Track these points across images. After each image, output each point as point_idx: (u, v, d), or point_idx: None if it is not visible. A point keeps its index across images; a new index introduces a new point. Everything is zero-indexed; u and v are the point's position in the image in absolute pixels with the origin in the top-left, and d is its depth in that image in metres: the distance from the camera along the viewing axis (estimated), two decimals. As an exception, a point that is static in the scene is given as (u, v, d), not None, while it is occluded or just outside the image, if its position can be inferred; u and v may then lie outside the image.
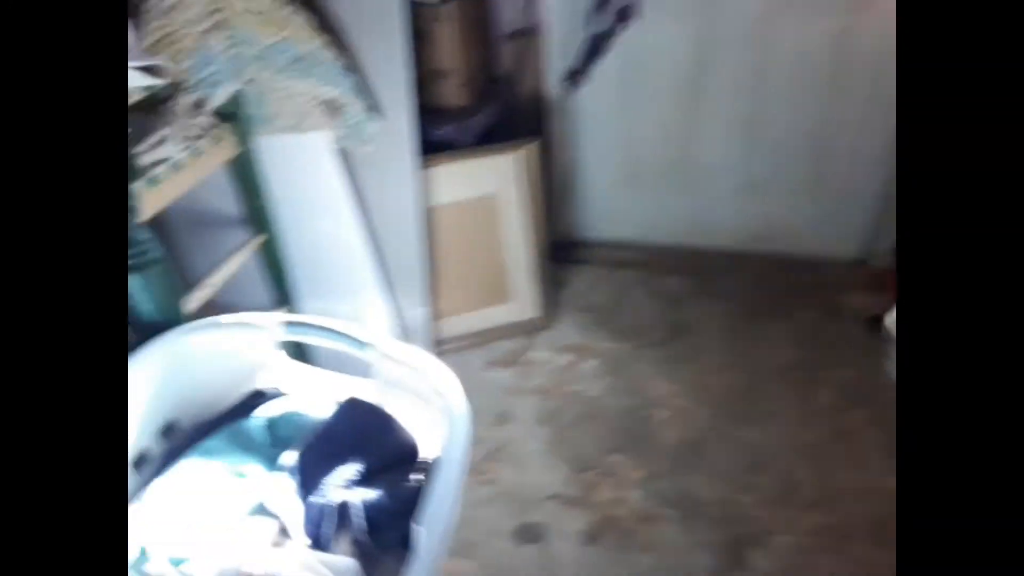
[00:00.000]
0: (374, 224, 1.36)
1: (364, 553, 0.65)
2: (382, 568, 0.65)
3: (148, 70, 0.68)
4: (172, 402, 0.77)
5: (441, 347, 1.63)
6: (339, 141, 1.22)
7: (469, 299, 1.62)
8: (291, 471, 0.70)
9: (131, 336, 0.75)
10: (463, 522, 1.26)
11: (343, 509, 0.66)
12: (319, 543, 0.66)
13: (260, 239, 1.26)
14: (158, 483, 0.69)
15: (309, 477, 0.69)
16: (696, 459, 1.36)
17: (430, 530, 0.59)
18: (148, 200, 0.93)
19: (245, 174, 1.18)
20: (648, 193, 1.88)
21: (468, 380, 1.57)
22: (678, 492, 1.30)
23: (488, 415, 1.50)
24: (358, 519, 0.66)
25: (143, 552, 0.62)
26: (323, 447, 0.73)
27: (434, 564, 0.58)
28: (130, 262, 0.74)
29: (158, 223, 1.19)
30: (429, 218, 1.45)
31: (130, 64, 0.63)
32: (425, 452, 0.76)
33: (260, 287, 1.36)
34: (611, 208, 1.91)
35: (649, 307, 1.77)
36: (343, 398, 0.80)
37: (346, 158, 1.27)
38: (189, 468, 0.70)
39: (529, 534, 1.25)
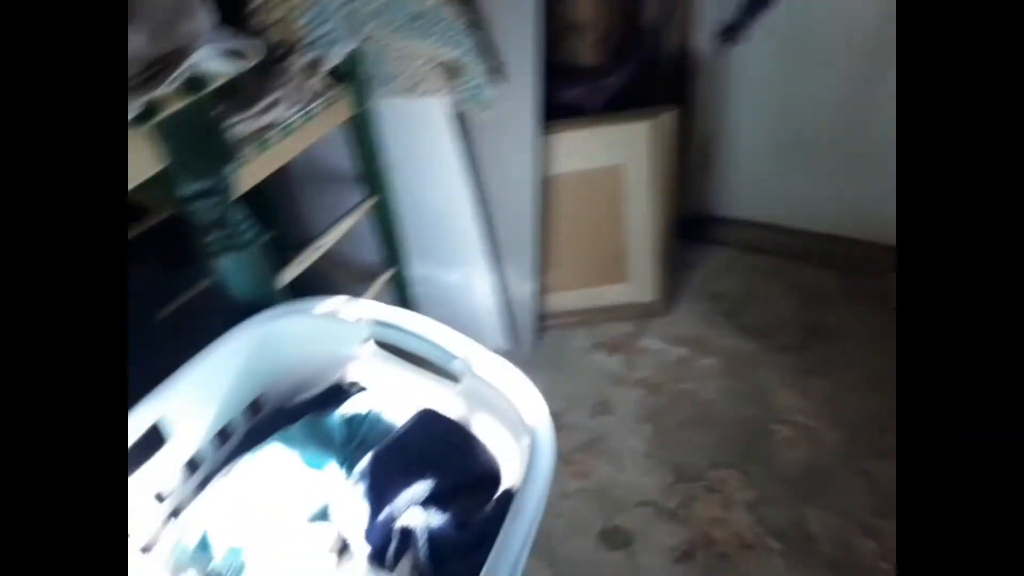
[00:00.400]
0: (487, 192, 1.29)
1: (423, 581, 0.61)
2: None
3: (234, 53, 0.64)
4: (260, 381, 0.77)
5: (546, 322, 1.56)
6: (457, 105, 1.14)
7: (582, 275, 1.52)
8: (360, 478, 0.67)
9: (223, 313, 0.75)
10: (546, 512, 1.22)
11: (406, 532, 0.63)
12: (380, 560, 0.63)
13: (373, 200, 1.24)
14: (236, 466, 0.69)
15: (377, 488, 0.67)
16: (818, 489, 1.21)
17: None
18: (258, 165, 0.92)
19: (360, 136, 1.15)
20: (803, 169, 1.63)
21: (571, 361, 1.51)
22: (791, 523, 1.16)
23: (587, 402, 1.42)
24: (421, 545, 0.62)
25: (205, 538, 0.63)
26: (395, 457, 0.69)
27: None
28: (225, 242, 0.73)
29: (278, 178, 1.20)
30: (547, 187, 1.35)
31: (213, 47, 0.59)
32: (505, 480, 0.70)
33: (373, 244, 1.35)
34: (756, 184, 1.69)
35: (786, 303, 1.57)
36: (421, 407, 0.76)
37: (463, 122, 1.19)
38: (268, 455, 0.70)
39: (615, 539, 1.18)
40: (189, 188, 0.67)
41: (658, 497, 1.23)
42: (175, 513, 0.69)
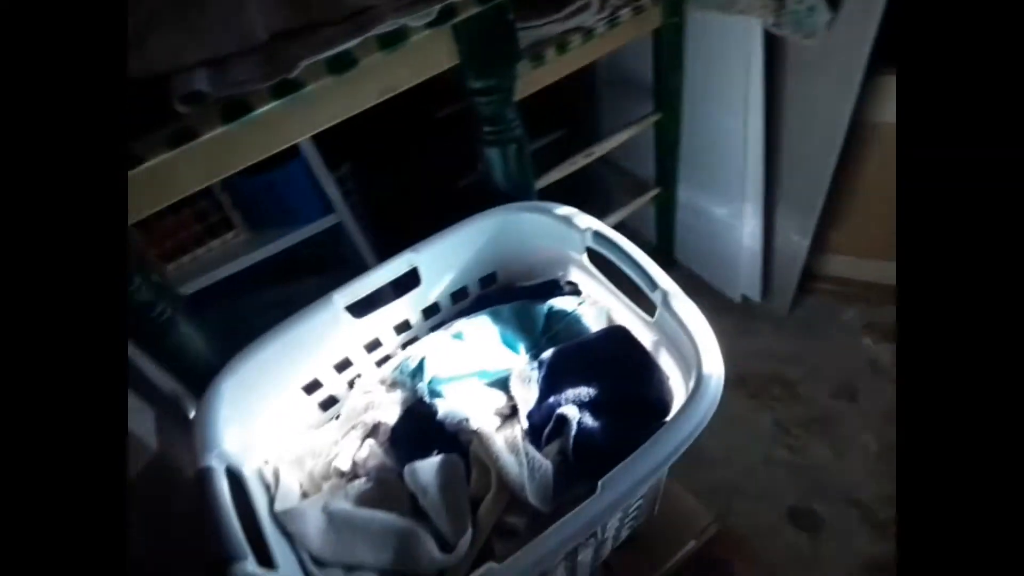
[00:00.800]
0: (783, 128, 1.18)
1: (563, 465, 0.70)
2: (571, 489, 0.69)
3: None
4: (496, 259, 0.89)
5: (813, 284, 1.42)
6: (776, 28, 1.04)
7: (877, 244, 1.33)
8: (539, 365, 0.77)
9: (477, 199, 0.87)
10: (740, 470, 1.20)
11: (562, 419, 0.71)
12: (534, 437, 0.73)
13: (657, 116, 1.24)
14: (458, 322, 0.85)
15: (550, 378, 0.75)
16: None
17: (609, 489, 0.59)
18: (557, 66, 1.00)
19: (663, 48, 1.14)
20: None
21: (829, 333, 1.38)
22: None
23: (831, 380, 1.30)
24: (571, 436, 0.70)
25: (422, 364, 0.79)
26: (575, 357, 0.76)
27: (596, 522, 0.59)
28: (493, 136, 0.84)
29: (581, 78, 1.27)
30: (860, 135, 1.18)
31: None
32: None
33: (649, 157, 1.36)
34: None
35: None
36: (616, 323, 0.81)
37: (776, 47, 1.09)
38: (479, 322, 0.84)
39: (806, 521, 1.12)
40: (475, 84, 0.78)
41: (872, 503, 1.10)
42: (410, 342, 0.89)
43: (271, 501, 0.69)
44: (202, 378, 0.73)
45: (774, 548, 1.10)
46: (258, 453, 0.74)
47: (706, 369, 0.65)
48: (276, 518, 0.67)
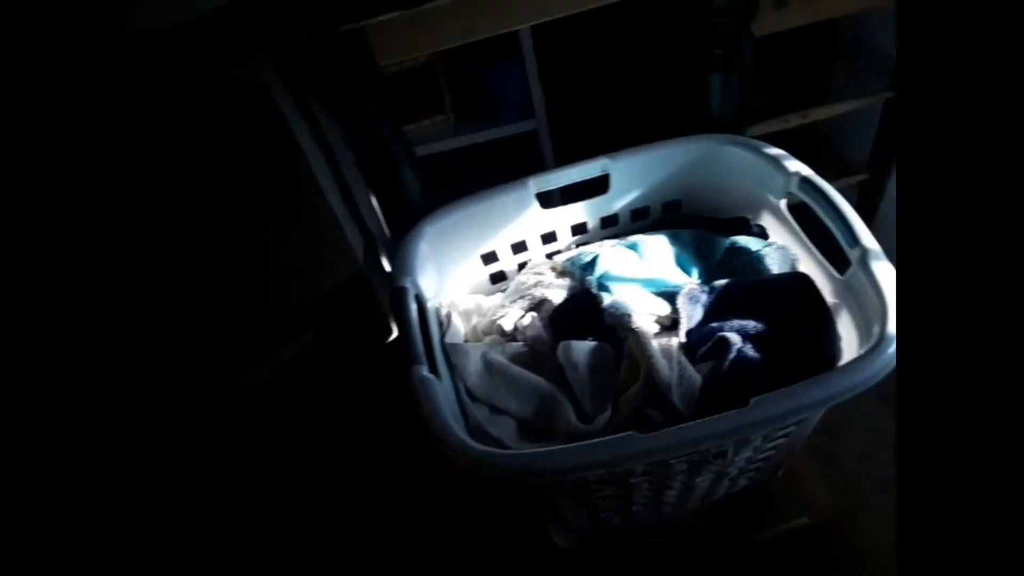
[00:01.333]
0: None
1: (711, 385, 0.71)
2: (714, 406, 0.70)
3: None
4: (683, 187, 0.90)
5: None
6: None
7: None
8: (710, 290, 0.78)
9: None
10: (869, 480, 1.13)
11: (722, 342, 0.72)
12: (689, 352, 0.75)
13: (891, 94, 1.15)
14: (634, 237, 0.87)
15: (718, 305, 0.76)
16: None
17: (760, 408, 0.60)
18: (795, 11, 0.97)
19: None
20: None
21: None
22: None
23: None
24: (725, 359, 0.71)
25: (596, 260, 0.83)
26: (750, 292, 0.76)
27: (737, 433, 0.61)
28: (721, 61, 0.83)
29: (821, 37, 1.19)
30: None
31: None
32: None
33: (865, 138, 1.27)
34: None
35: None
36: (799, 272, 0.79)
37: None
38: (655, 239, 0.86)
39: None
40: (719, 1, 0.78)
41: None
42: (584, 243, 0.93)
43: (442, 335, 0.77)
44: (406, 222, 0.82)
45: (884, 565, 1.04)
46: (436, 297, 0.83)
47: (890, 329, 0.62)
48: (444, 349, 0.75)
